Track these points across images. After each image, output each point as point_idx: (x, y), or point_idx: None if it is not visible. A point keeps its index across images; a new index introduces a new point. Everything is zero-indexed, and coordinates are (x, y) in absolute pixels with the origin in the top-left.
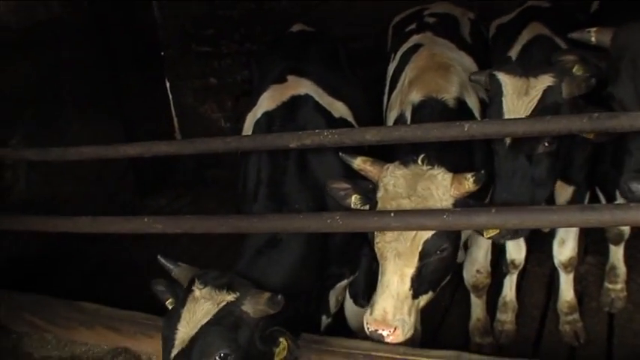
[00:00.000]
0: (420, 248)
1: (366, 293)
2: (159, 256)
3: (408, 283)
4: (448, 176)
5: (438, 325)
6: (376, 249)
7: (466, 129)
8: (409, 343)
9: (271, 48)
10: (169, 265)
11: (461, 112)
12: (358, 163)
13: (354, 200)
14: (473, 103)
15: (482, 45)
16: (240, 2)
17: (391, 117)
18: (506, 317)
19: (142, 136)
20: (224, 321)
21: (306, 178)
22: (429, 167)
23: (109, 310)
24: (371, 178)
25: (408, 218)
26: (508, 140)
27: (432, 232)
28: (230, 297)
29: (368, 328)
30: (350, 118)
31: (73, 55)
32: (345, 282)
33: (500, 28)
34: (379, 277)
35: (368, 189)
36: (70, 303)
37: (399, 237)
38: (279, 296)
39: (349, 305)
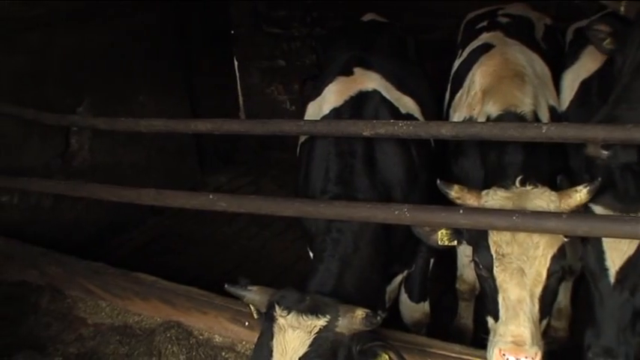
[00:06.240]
0: (547, 265)
1: (421, 289)
2: (226, 286)
3: (537, 305)
4: (554, 193)
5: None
6: (496, 270)
7: (544, 131)
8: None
9: (339, 35)
10: (240, 293)
11: None
12: (456, 191)
13: (441, 236)
14: (543, 113)
15: (556, 52)
16: None
17: (456, 119)
18: (560, 324)
19: (206, 112)
20: (322, 350)
21: (373, 178)
22: (532, 187)
23: (165, 284)
24: (469, 206)
25: (477, 216)
26: (613, 279)
27: (557, 249)
28: (321, 322)
29: (504, 355)
30: (417, 113)
31: (145, 28)
32: (400, 277)
33: (576, 34)
34: (499, 297)
35: None
36: (127, 273)
37: (524, 255)
38: (378, 317)
39: (404, 300)
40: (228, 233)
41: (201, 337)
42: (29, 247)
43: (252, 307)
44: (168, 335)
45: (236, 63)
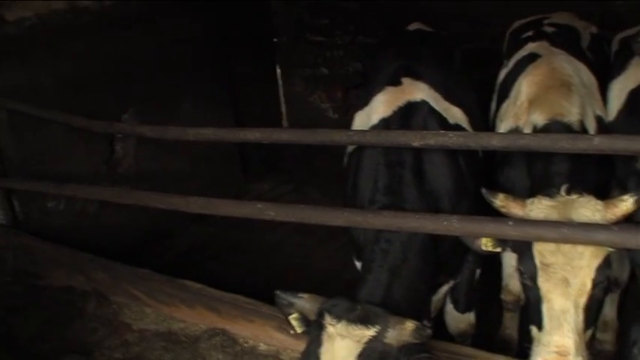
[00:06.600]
0: (592, 275)
1: (467, 300)
2: (277, 292)
3: (582, 315)
4: (600, 202)
5: None
6: (540, 279)
7: (595, 142)
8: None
9: (386, 44)
10: (291, 300)
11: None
12: (500, 199)
13: (485, 241)
14: (589, 123)
15: (602, 61)
16: None
17: (502, 128)
18: (606, 337)
19: (249, 119)
20: None
21: (422, 188)
22: (577, 196)
23: (211, 291)
24: (513, 214)
25: (526, 228)
26: None
27: (602, 259)
28: (370, 332)
29: None
30: (465, 124)
31: (189, 36)
32: (446, 287)
33: (623, 44)
34: (543, 307)
35: None
36: (173, 280)
37: (569, 264)
38: (428, 330)
39: (450, 310)
40: (272, 241)
41: (246, 344)
42: (76, 253)
43: (294, 322)
44: (213, 342)
45: (279, 71)
